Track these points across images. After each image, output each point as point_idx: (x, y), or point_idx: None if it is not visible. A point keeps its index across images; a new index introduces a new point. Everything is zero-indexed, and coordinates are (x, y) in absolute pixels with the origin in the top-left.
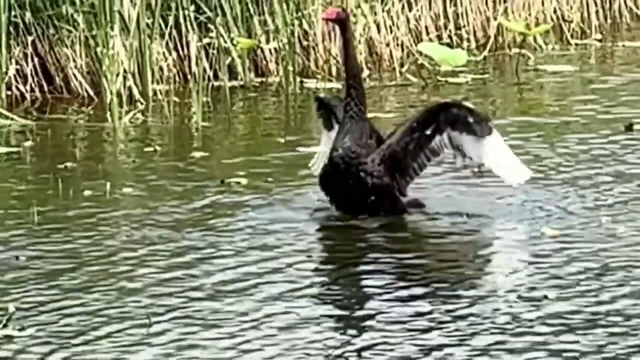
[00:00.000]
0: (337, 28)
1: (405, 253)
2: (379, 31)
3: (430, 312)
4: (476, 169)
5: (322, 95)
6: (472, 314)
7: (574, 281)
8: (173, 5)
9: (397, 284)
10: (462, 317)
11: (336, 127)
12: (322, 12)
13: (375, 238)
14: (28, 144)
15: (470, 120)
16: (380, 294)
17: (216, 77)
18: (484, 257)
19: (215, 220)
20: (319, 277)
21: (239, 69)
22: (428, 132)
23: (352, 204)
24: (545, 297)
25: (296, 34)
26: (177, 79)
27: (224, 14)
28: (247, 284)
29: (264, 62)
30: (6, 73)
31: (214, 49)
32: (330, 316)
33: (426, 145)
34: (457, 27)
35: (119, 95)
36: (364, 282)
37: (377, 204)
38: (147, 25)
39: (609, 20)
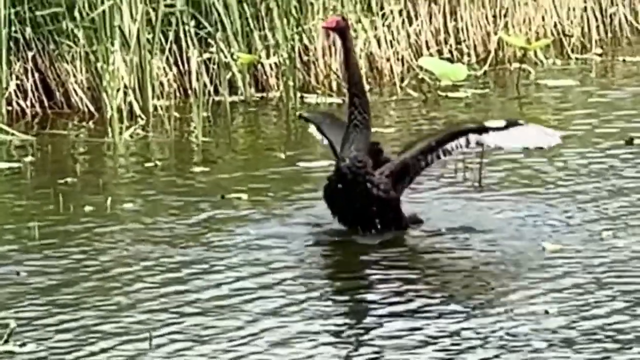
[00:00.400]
0: (337, 38)
1: (402, 269)
2: (379, 46)
3: (426, 327)
4: (477, 183)
5: (305, 113)
6: (468, 329)
7: (573, 295)
8: (173, 20)
9: (392, 299)
10: (457, 332)
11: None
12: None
13: (373, 253)
14: (28, 159)
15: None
16: (375, 309)
17: (216, 92)
18: (483, 272)
19: (214, 236)
20: (315, 292)
21: (240, 84)
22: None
23: (356, 216)
24: (546, 312)
25: (296, 49)
26: (177, 94)
27: (224, 29)
28: (242, 299)
29: (265, 77)
30: (6, 88)
31: (214, 64)
32: (326, 331)
33: (439, 148)
34: (458, 42)
35: (119, 110)
36: (359, 297)
37: (381, 217)
38: (148, 40)
39: (609, 35)
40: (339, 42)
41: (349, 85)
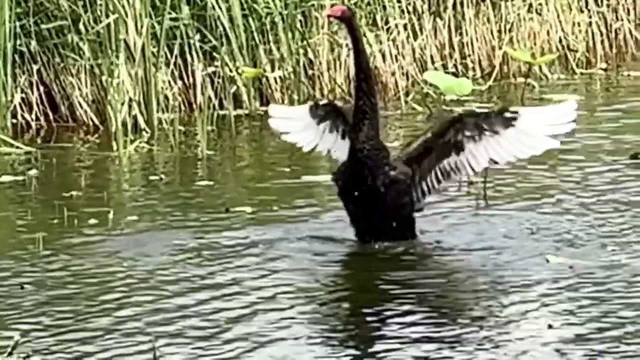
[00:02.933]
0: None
1: (406, 284)
2: (384, 60)
3: (426, 340)
4: (481, 198)
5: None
6: (469, 342)
7: (577, 309)
8: (178, 34)
9: (391, 311)
10: (458, 345)
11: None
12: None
13: (378, 269)
14: (33, 172)
15: (485, 124)
16: (379, 323)
17: (221, 105)
18: (487, 285)
19: (217, 249)
20: (317, 305)
21: (244, 97)
22: (446, 145)
23: (370, 208)
24: (550, 326)
25: (301, 63)
26: (182, 107)
27: (229, 43)
28: (241, 312)
29: (269, 90)
30: (11, 101)
31: (219, 77)
32: (328, 344)
33: (444, 159)
34: (463, 57)
35: (124, 123)
36: (365, 314)
37: (395, 206)
38: (153, 54)
39: (614, 50)
40: (343, 56)
41: (357, 71)
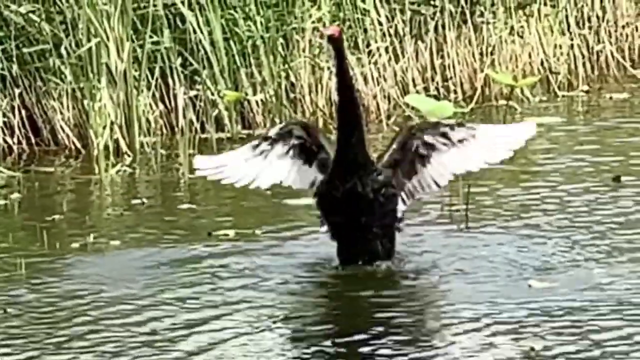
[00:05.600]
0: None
1: (386, 307)
2: (365, 83)
3: None
4: (462, 222)
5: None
6: None
7: (559, 333)
8: (159, 57)
9: (375, 338)
10: None
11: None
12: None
13: (361, 291)
14: (15, 196)
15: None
16: (360, 348)
17: (203, 129)
18: (469, 310)
19: (198, 273)
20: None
21: (226, 121)
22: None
23: (356, 215)
24: (532, 349)
25: (283, 86)
26: (164, 131)
27: (210, 67)
28: (221, 336)
29: (251, 114)
30: None
31: (200, 101)
32: None
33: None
34: (444, 79)
35: (106, 147)
36: (346, 338)
37: (382, 212)
38: (134, 77)
39: (596, 72)
40: (325, 79)
41: (340, 87)
